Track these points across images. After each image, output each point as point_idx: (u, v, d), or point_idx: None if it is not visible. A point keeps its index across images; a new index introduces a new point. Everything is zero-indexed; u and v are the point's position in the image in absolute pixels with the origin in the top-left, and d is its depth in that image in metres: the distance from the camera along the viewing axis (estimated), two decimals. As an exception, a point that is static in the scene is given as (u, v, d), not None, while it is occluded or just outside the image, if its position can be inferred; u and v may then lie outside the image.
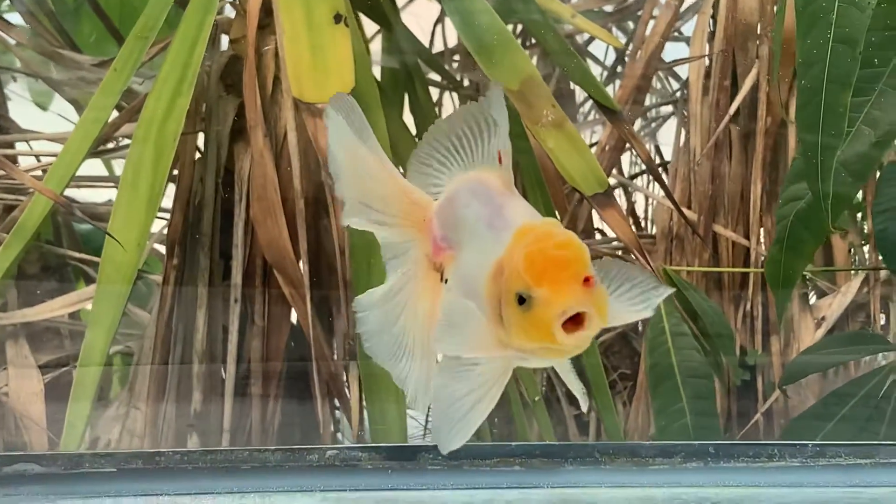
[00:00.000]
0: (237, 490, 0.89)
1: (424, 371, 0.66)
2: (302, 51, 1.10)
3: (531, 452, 0.91)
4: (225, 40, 1.37)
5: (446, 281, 0.64)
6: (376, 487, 0.90)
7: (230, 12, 1.38)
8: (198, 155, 1.32)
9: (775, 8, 1.71)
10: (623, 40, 1.96)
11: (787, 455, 0.88)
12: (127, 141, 1.46)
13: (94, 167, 1.59)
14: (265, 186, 1.22)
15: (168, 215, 1.32)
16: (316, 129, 1.08)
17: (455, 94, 1.79)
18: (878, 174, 1.29)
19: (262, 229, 1.23)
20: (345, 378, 1.23)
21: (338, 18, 1.11)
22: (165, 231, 1.35)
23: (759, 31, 1.72)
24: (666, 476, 0.90)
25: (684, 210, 1.71)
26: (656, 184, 1.89)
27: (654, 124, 2.09)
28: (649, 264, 1.20)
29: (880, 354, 1.13)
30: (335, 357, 1.27)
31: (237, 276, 1.27)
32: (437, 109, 1.87)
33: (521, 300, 0.55)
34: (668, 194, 1.50)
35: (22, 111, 1.67)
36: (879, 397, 1.08)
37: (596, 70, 2.03)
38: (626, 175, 1.93)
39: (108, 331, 1.11)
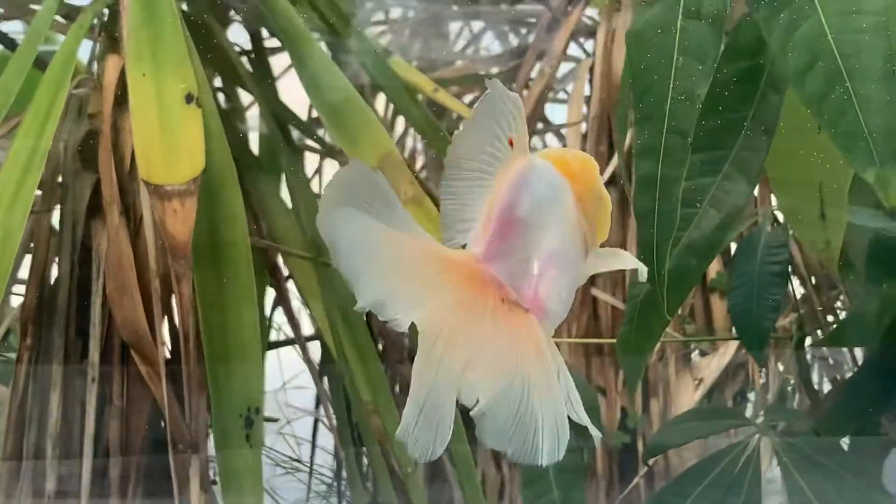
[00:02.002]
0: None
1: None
2: (151, 131, 1.08)
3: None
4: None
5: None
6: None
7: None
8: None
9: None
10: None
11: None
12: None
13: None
14: (121, 264, 1.20)
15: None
16: (164, 212, 1.05)
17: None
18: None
19: (118, 308, 1.20)
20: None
21: (189, 98, 1.09)
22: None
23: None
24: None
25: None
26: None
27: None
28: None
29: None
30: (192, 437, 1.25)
31: (94, 355, 1.24)
32: (318, 176, 1.87)
33: None
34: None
35: None
36: (735, 473, 1.08)
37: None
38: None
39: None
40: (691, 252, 0.97)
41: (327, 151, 1.69)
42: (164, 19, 1.14)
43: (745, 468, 1.08)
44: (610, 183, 1.74)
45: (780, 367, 1.82)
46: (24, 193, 1.11)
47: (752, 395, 1.88)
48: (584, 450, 1.31)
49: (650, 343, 1.06)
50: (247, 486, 1.11)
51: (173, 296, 1.23)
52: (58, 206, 1.29)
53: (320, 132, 1.66)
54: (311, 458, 1.95)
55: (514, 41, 2.17)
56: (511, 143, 0.59)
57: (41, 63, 1.21)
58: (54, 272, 1.29)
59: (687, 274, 0.97)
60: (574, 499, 1.25)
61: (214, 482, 1.39)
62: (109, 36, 1.28)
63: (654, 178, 0.86)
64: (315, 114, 1.84)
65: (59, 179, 1.29)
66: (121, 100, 1.24)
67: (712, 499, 1.09)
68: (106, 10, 1.28)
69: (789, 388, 1.83)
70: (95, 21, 1.29)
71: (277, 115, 1.55)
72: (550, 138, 1.95)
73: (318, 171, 1.86)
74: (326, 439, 2.02)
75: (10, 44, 1.60)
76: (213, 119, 1.15)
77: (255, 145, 1.60)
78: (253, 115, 1.66)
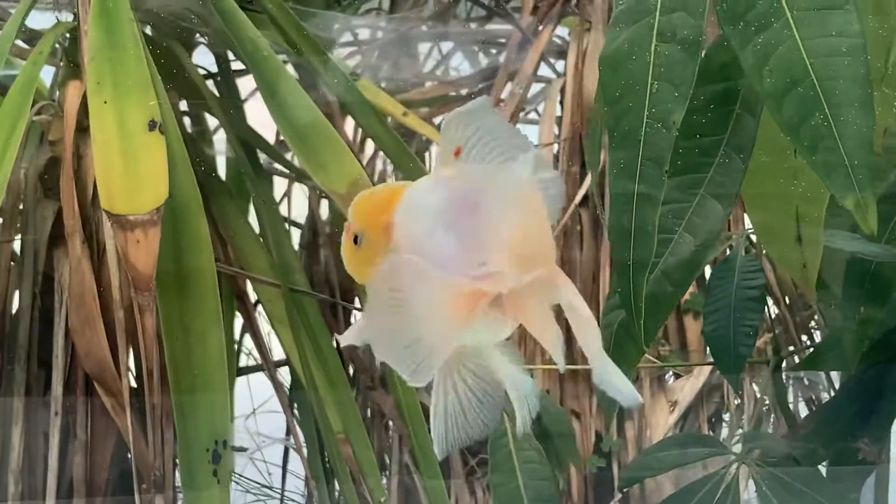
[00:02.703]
0: None
1: None
2: (113, 160, 1.06)
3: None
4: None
5: None
6: None
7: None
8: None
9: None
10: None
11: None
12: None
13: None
14: (83, 295, 1.17)
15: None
16: (126, 243, 1.03)
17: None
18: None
19: (81, 339, 1.18)
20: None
21: (152, 125, 1.07)
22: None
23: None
24: None
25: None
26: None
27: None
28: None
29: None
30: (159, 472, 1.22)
31: (57, 388, 1.21)
32: (286, 200, 1.85)
33: None
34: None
35: None
36: (714, 502, 1.06)
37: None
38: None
39: None
40: (667, 278, 0.96)
41: (296, 175, 1.67)
42: (125, 44, 1.11)
43: (724, 498, 1.06)
44: (582, 205, 1.72)
45: (756, 389, 1.82)
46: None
47: (727, 417, 1.87)
48: (559, 478, 1.29)
49: (627, 370, 1.04)
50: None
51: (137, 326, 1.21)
52: (18, 236, 1.26)
53: (289, 156, 1.63)
54: (283, 484, 1.92)
55: (484, 61, 2.16)
56: (457, 153, 0.58)
57: (0, 88, 1.19)
58: (15, 303, 1.26)
59: (663, 301, 0.96)
60: (550, 528, 1.23)
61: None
62: (70, 61, 1.25)
63: (629, 204, 0.84)
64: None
65: (20, 207, 1.25)
66: (83, 126, 1.21)
67: (691, 528, 1.07)
68: (67, 35, 1.25)
69: (765, 410, 1.82)
70: (57, 46, 1.26)
71: (244, 138, 1.52)
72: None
73: (287, 195, 1.84)
74: (298, 464, 1.99)
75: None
76: (177, 144, 1.12)
77: (221, 170, 1.58)
78: (220, 139, 1.64)
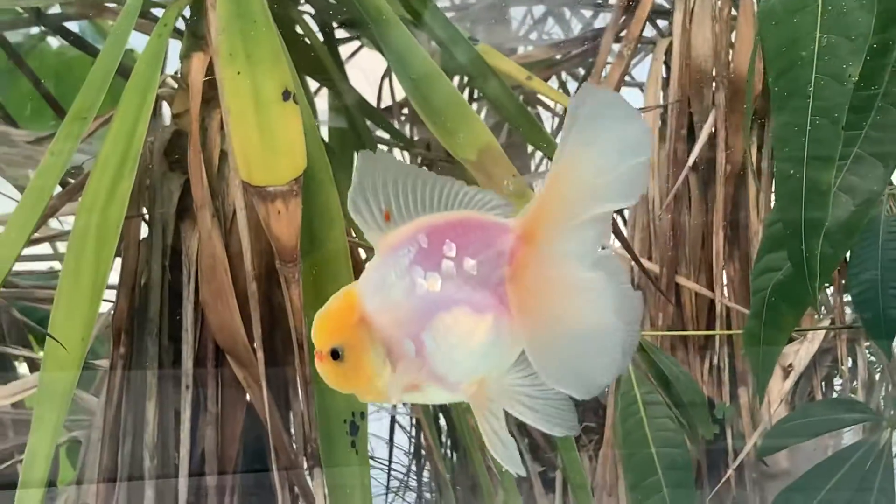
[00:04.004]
0: None
1: None
2: (249, 131, 1.04)
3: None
4: (168, 114, 1.31)
5: None
6: None
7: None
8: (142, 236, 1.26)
9: (730, 55, 1.69)
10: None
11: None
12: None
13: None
14: (214, 268, 1.16)
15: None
16: (268, 215, 1.02)
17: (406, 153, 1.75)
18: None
19: (213, 312, 1.17)
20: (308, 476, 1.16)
21: (286, 95, 1.05)
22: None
23: (714, 78, 1.69)
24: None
25: (645, 262, 1.67)
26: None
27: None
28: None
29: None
30: (294, 445, 1.22)
31: (188, 362, 1.20)
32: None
33: None
34: (628, 248, 1.46)
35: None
36: (866, 470, 1.04)
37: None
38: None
39: (52, 435, 1.04)
40: (826, 240, 0.93)
41: (403, 144, 1.65)
42: (254, 15, 1.10)
43: (876, 465, 1.04)
44: (693, 169, 1.69)
45: (868, 352, 1.78)
46: (119, 197, 1.08)
47: (838, 382, 1.83)
48: (690, 446, 1.28)
49: (782, 335, 1.01)
50: (355, 499, 1.07)
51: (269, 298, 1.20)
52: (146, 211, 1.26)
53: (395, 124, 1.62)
54: (389, 456, 1.92)
55: (577, 25, 2.13)
56: (388, 218, 0.60)
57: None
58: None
59: (823, 263, 0.93)
60: (683, 496, 1.21)
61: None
62: (193, 33, 1.24)
63: (800, 164, 0.82)
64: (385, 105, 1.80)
65: (147, 182, 1.25)
66: (207, 98, 1.20)
67: (842, 497, 1.05)
68: (188, 7, 1.24)
69: (877, 375, 1.78)
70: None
71: (350, 107, 1.51)
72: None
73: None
74: (402, 438, 1.99)
75: (80, 44, 1.57)
76: (307, 116, 1.11)
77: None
78: (321, 110, 1.62)
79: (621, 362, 0.57)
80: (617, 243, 1.77)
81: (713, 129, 1.66)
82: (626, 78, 1.96)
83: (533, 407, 0.62)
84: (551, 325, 0.59)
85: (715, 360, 1.68)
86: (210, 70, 1.19)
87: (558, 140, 0.60)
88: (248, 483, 1.23)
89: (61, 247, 1.64)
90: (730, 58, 1.70)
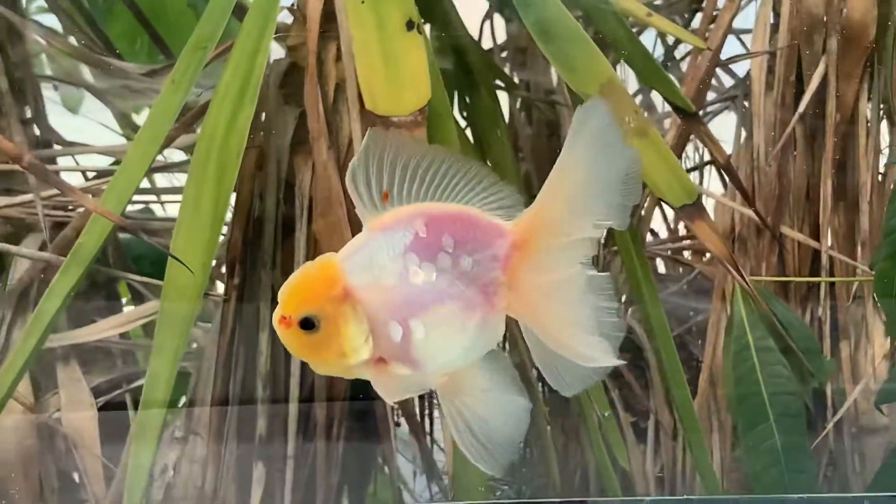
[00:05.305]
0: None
1: None
2: (374, 61, 1.04)
3: None
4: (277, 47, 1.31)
5: None
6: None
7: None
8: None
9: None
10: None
11: None
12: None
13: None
14: (330, 201, 1.16)
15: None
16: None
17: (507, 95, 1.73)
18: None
19: (327, 245, 1.17)
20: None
21: (410, 25, 1.05)
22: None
23: (825, 24, 1.65)
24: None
25: (748, 211, 1.65)
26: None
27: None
28: (744, 279, 1.14)
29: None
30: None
31: (300, 295, 1.21)
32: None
33: None
34: (745, 195, 1.44)
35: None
36: None
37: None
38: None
39: (173, 359, 1.05)
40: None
41: (505, 85, 1.64)
42: (376, -56, 1.09)
43: None
44: (800, 117, 1.66)
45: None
46: (239, 126, 1.08)
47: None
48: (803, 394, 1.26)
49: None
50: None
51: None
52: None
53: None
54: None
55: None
56: (386, 198, 0.62)
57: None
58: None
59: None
60: (796, 443, 1.20)
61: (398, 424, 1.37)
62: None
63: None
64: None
65: (262, 115, 1.25)
66: (322, 31, 1.19)
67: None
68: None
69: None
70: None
71: (456, 47, 1.50)
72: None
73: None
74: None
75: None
76: (427, 48, 1.10)
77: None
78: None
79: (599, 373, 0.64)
80: (720, 190, 1.75)
81: (823, 77, 1.62)
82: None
83: (484, 415, 0.65)
84: (543, 327, 0.63)
85: (818, 312, 1.65)
86: (327, 2, 1.19)
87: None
88: (356, 409, 1.24)
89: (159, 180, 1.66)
90: (842, 3, 1.66)
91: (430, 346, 0.62)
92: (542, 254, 0.62)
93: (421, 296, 0.61)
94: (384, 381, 0.64)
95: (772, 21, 1.75)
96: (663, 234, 1.94)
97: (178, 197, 1.47)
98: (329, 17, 1.19)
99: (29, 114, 1.47)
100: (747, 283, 1.13)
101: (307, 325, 0.61)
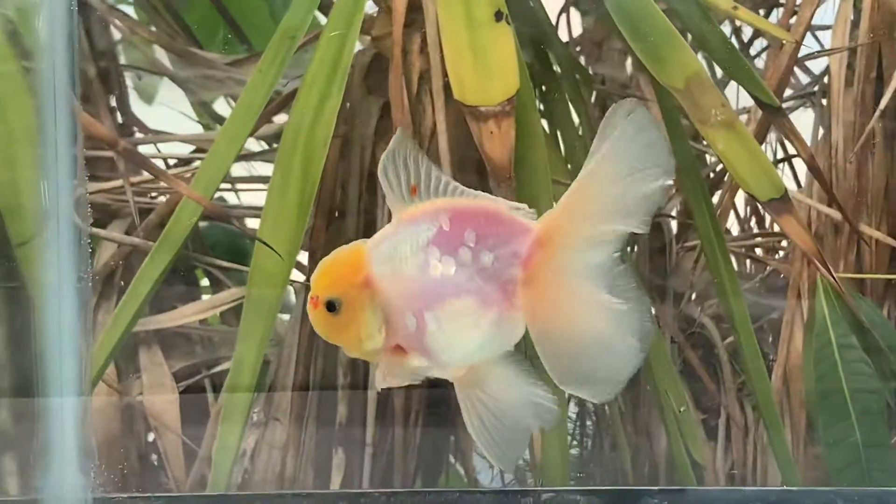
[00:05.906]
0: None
1: None
2: (463, 51, 1.04)
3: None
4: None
5: None
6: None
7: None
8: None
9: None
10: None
11: None
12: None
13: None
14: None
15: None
16: (480, 134, 1.02)
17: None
18: None
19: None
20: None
21: (499, 16, 1.05)
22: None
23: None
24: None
25: (826, 209, 1.63)
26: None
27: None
28: (832, 275, 1.13)
29: None
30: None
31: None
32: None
33: None
34: (829, 192, 1.42)
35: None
36: None
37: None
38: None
39: (259, 345, 1.07)
40: None
41: (582, 77, 1.63)
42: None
43: None
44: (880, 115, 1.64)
45: None
46: (326, 115, 1.09)
47: None
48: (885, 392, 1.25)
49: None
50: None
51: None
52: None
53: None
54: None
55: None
56: (414, 192, 0.63)
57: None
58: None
59: None
60: (877, 440, 1.19)
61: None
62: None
63: None
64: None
65: (347, 105, 1.26)
66: (407, 22, 1.20)
67: None
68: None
69: None
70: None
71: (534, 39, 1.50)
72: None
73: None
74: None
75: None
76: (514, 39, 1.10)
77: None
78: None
79: (625, 380, 0.62)
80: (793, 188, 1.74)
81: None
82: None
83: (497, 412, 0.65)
84: (564, 333, 0.62)
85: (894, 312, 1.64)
86: (413, -7, 1.19)
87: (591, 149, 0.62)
88: (433, 396, 1.25)
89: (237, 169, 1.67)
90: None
91: (443, 339, 0.63)
92: (564, 253, 0.62)
93: (437, 289, 0.62)
94: (385, 367, 0.66)
95: (852, 17, 1.73)
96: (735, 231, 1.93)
97: (252, 186, 1.50)
98: (413, 7, 1.19)
99: (113, 102, 1.49)
100: (835, 280, 1.12)
101: (331, 307, 0.63)
